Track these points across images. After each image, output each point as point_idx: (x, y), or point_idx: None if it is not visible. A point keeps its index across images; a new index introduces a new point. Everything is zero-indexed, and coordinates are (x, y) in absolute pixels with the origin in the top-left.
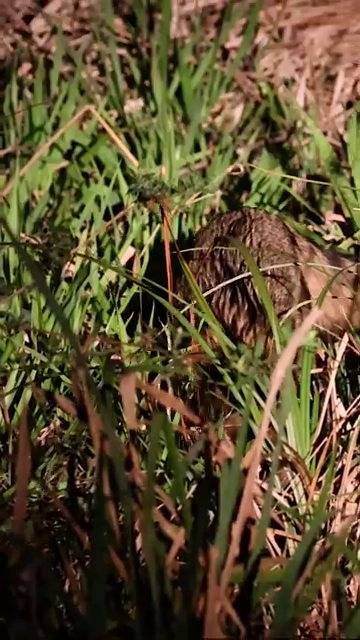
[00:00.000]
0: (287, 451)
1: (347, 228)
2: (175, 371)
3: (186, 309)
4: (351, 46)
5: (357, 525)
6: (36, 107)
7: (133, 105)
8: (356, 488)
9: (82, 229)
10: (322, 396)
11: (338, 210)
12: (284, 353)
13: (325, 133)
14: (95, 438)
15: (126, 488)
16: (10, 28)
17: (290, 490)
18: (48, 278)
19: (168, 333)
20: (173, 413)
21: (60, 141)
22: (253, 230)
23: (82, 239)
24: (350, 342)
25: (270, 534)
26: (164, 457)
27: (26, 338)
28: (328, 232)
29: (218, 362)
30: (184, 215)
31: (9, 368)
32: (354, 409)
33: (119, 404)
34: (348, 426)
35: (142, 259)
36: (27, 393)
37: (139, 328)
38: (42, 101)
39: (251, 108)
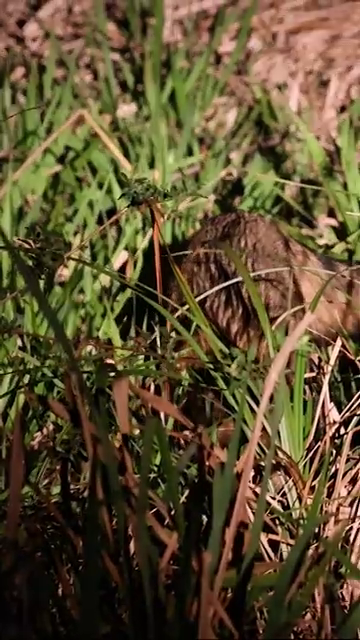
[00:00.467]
0: (280, 455)
1: (340, 232)
2: (168, 375)
3: (179, 313)
4: (344, 51)
5: (350, 529)
6: (29, 111)
7: (126, 110)
8: (349, 492)
9: (75, 233)
10: (315, 400)
11: (331, 214)
12: (277, 357)
13: (318, 137)
14: (88, 442)
15: (119, 492)
16: (3, 32)
17: (283, 494)
18: (41, 282)
19: (159, 336)
20: (167, 417)
21: (53, 146)
22: (247, 232)
23: (75, 243)
24: (343, 346)
25: (263, 538)
26: (157, 461)
27: (19, 342)
28: (321, 236)
29: (211, 366)
30: (177, 220)
31: (2, 372)
32: (347, 413)
33: (112, 408)
34: (341, 430)
35: (135, 263)
36: (20, 398)
37: (132, 332)
38: (35, 105)
39: (244, 112)
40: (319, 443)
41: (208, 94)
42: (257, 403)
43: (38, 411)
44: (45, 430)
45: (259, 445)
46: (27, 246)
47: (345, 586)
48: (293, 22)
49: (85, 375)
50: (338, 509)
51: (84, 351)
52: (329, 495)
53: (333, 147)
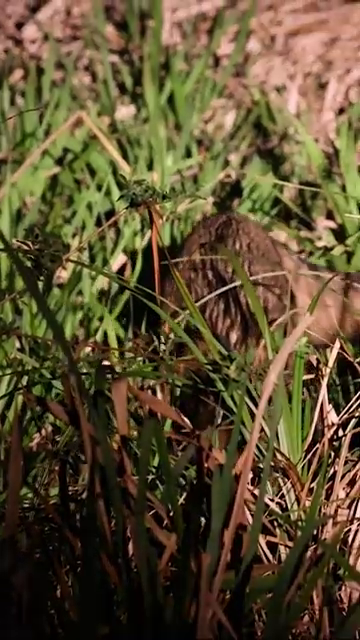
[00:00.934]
0: (279, 457)
1: (339, 234)
2: (167, 377)
3: (180, 319)
4: (343, 53)
5: (349, 531)
6: (28, 113)
7: (125, 112)
8: (348, 494)
9: (74, 235)
10: (314, 402)
11: (330, 216)
12: (276, 359)
13: (317, 140)
14: (87, 444)
15: (118, 494)
16: (2, 35)
17: (282, 496)
18: (40, 284)
19: (156, 339)
20: (165, 419)
21: (52, 147)
22: (240, 232)
23: (74, 245)
24: (342, 348)
25: (262, 540)
26: (156, 463)
27: (17, 344)
28: (320, 238)
29: (209, 368)
30: (176, 221)
31: (0, 374)
32: (346, 415)
33: (110, 409)
34: (340, 432)
35: (134, 265)
36: (19, 399)
37: (130, 334)
38: (34, 107)
39: (243, 115)
40: (317, 445)
41: (207, 96)
42: (255, 405)
43: (36, 413)
44: (43, 432)
45: (258, 447)
46: (26, 248)
47: (343, 588)
48: (292, 24)
49: (83, 377)
50: (336, 511)
51: (82, 353)
52: (327, 497)
53: (332, 149)
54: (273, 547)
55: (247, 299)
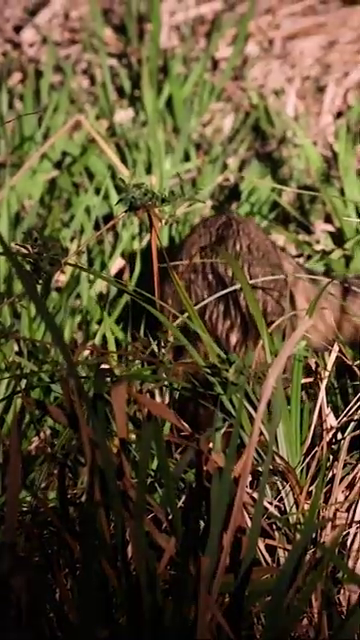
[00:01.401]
0: (278, 460)
1: (337, 238)
2: (166, 380)
3: (179, 321)
4: (341, 56)
5: (348, 534)
6: (26, 117)
7: (123, 115)
8: (347, 497)
9: (72, 239)
10: (312, 405)
11: (328, 220)
12: (275, 362)
13: (315, 143)
14: (86, 447)
15: (117, 497)
16: (0, 38)
17: (281, 499)
18: (38, 288)
19: (154, 343)
20: (164, 422)
21: (50, 151)
22: (241, 233)
23: (72, 249)
24: (340, 351)
25: (261, 543)
26: (155, 466)
27: (15, 347)
28: (318, 242)
29: (208, 371)
30: (174, 224)
31: None
32: (344, 418)
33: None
34: (339, 435)
35: (132, 268)
36: (17, 402)
37: (129, 337)
38: (32, 111)
39: (241, 118)
40: (316, 448)
41: (205, 100)
42: (254, 408)
43: (35, 416)
44: (42, 435)
45: (256, 450)
46: (25, 251)
47: (342, 591)
48: (290, 28)
49: (82, 380)
50: (335, 514)
51: (81, 356)
52: (326, 500)
53: (330, 153)
54: (272, 550)
55: (247, 301)
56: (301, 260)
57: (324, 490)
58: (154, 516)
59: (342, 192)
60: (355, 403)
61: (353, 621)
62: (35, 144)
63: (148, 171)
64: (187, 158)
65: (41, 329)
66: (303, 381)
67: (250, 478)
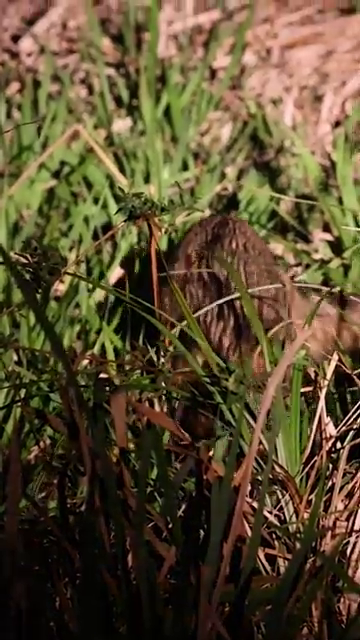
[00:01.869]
0: (277, 470)
1: (336, 247)
2: (165, 389)
3: (177, 329)
4: (339, 66)
5: (347, 543)
6: (24, 126)
7: (121, 124)
8: (346, 506)
9: (71, 249)
10: (311, 414)
11: (326, 229)
12: (275, 371)
13: (313, 152)
14: (86, 457)
15: (117, 506)
16: None
17: (280, 509)
18: (38, 297)
19: (152, 351)
20: (164, 431)
21: (48, 160)
22: (237, 231)
23: (71, 259)
24: (339, 360)
25: (261, 552)
26: (155, 475)
27: (14, 357)
28: (317, 251)
29: (208, 380)
30: (173, 233)
31: None
32: (344, 427)
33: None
34: (338, 444)
35: (131, 277)
36: (17, 412)
37: (128, 346)
38: (30, 120)
39: (239, 127)
40: (316, 457)
41: (203, 109)
42: (253, 417)
43: (35, 425)
44: (42, 444)
45: (256, 460)
46: (24, 260)
47: (342, 600)
48: (288, 37)
49: (82, 389)
50: (335, 523)
51: (80, 365)
52: (326, 509)
53: (328, 162)
54: (272, 559)
55: (242, 305)
56: (299, 269)
57: (324, 499)
58: (154, 525)
59: (340, 201)
60: (354, 412)
61: (353, 630)
62: (33, 154)
63: (146, 180)
64: (185, 167)
65: (40, 339)
66: (302, 390)
67: (250, 487)
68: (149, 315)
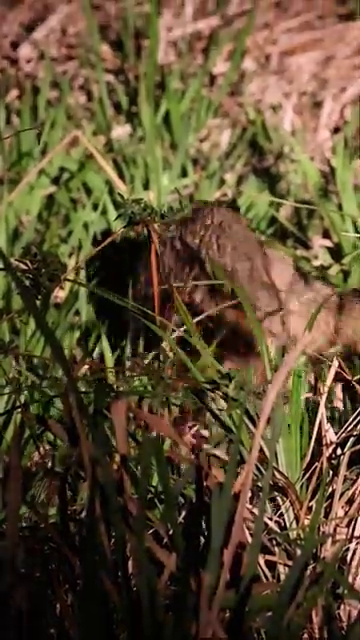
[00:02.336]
0: (277, 476)
1: (335, 253)
2: (166, 395)
3: (175, 335)
4: (338, 72)
5: (348, 550)
6: (24, 133)
7: (120, 131)
8: (346, 513)
9: (70, 255)
10: (311, 420)
11: (326, 235)
12: (275, 377)
13: (312, 158)
14: (87, 463)
15: (118, 513)
16: None
17: (281, 515)
18: (38, 303)
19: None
20: (164, 437)
21: (48, 167)
22: (215, 211)
23: (70, 265)
24: (340, 366)
25: (261, 559)
26: (155, 482)
27: (14, 364)
28: (316, 257)
29: (208, 387)
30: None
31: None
32: (344, 434)
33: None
34: (338, 451)
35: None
36: (17, 418)
37: (128, 352)
38: (30, 127)
39: (238, 133)
40: (316, 464)
41: (202, 115)
42: (253, 423)
43: (35, 431)
44: (42, 450)
45: (256, 466)
46: (24, 267)
47: (343, 607)
48: (287, 43)
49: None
50: (335, 529)
51: (80, 372)
52: (326, 516)
53: (328, 168)
54: (272, 566)
55: (211, 266)
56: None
57: (324, 505)
58: (154, 532)
59: (340, 207)
60: (355, 418)
61: (354, 636)
62: (33, 160)
63: (146, 187)
64: (185, 174)
65: (40, 345)
66: (303, 396)
67: (250, 494)
68: (150, 322)
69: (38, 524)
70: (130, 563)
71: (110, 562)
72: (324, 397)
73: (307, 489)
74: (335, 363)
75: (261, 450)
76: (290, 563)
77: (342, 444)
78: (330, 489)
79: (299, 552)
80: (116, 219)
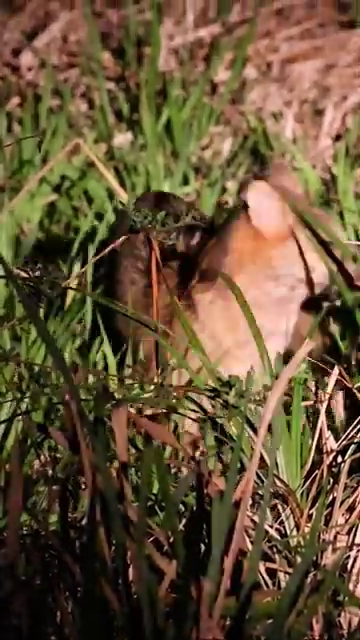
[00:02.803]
0: (278, 484)
1: None
2: (166, 403)
3: (174, 339)
4: (339, 80)
5: (348, 557)
6: (25, 140)
7: (122, 139)
8: (347, 520)
9: (71, 263)
10: (312, 427)
11: None
12: (276, 385)
13: (314, 166)
14: (87, 471)
15: (118, 520)
16: None
17: (281, 523)
18: (40, 311)
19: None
20: (164, 445)
21: (49, 175)
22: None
23: (72, 273)
24: (340, 374)
25: (261, 566)
26: (156, 489)
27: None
28: None
29: (209, 394)
30: None
31: (1, 400)
32: (344, 442)
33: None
34: (339, 458)
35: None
36: (18, 425)
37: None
38: (31, 135)
39: (240, 141)
40: (316, 471)
41: (204, 123)
42: (254, 430)
43: (36, 439)
44: (43, 458)
45: (257, 473)
46: (25, 274)
47: (343, 614)
48: (288, 51)
49: (83, 403)
50: (336, 537)
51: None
52: (327, 523)
53: (329, 176)
54: (273, 573)
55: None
56: None
57: (324, 513)
58: (155, 539)
59: (341, 215)
60: (355, 426)
61: None
62: (34, 168)
63: None
64: (186, 181)
65: (41, 353)
66: (303, 403)
67: (250, 501)
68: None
69: (39, 531)
70: (130, 570)
71: (110, 569)
72: (325, 404)
73: (307, 497)
74: (336, 370)
75: (261, 458)
76: (291, 571)
77: (343, 452)
78: (330, 497)
79: (300, 560)
80: (116, 227)
